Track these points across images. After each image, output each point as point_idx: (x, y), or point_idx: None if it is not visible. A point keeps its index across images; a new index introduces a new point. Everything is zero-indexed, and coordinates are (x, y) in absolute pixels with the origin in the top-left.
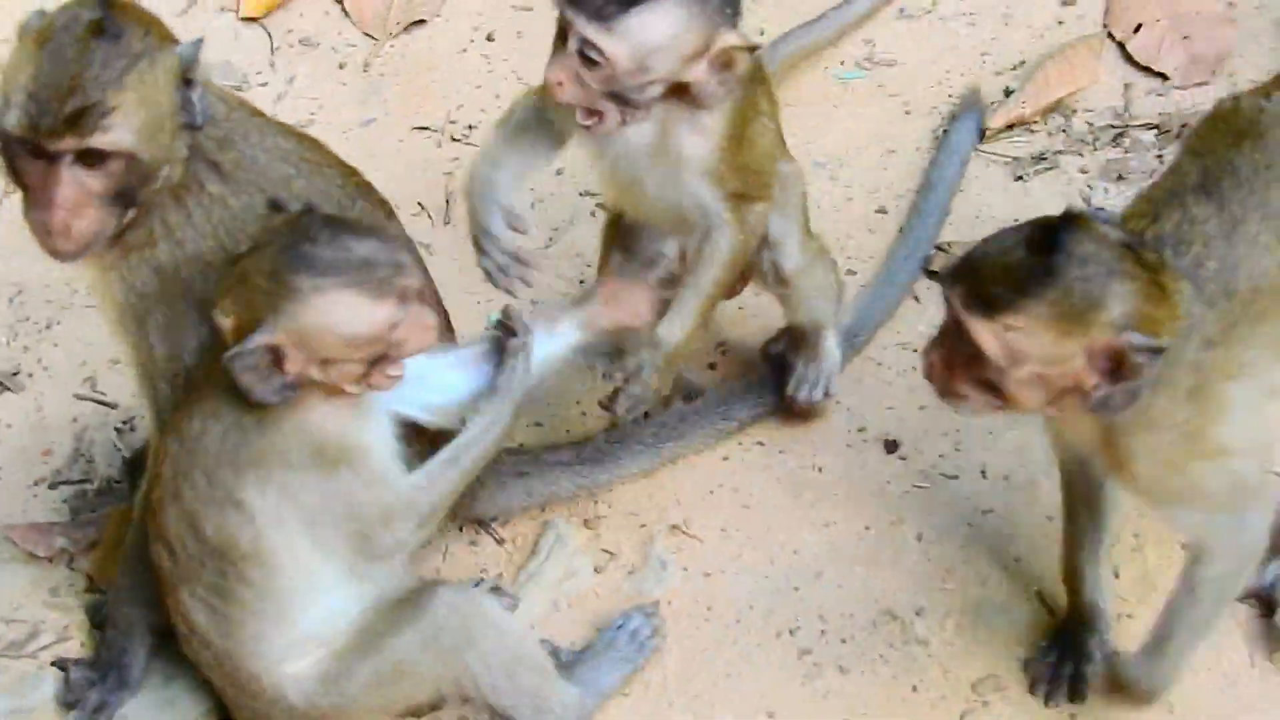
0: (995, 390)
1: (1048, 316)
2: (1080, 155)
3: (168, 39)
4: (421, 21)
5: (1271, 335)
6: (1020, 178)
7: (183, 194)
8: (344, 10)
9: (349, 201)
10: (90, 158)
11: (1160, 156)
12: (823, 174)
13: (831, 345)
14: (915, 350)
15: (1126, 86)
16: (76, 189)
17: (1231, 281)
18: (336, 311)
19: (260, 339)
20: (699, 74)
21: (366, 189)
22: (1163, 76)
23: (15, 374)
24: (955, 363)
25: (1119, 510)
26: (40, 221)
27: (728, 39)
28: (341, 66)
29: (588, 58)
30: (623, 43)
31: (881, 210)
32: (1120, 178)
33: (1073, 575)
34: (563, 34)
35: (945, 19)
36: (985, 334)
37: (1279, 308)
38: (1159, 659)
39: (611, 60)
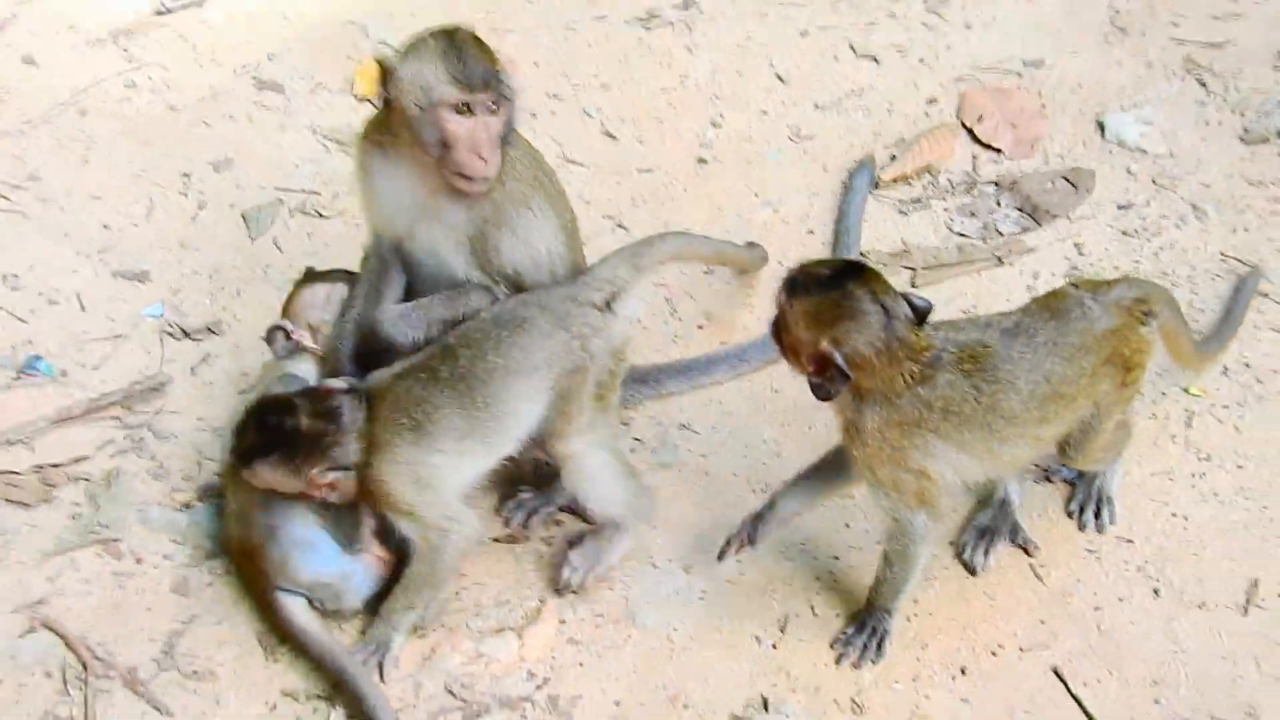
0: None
1: (802, 311)
2: (944, 200)
3: None
4: None
5: (975, 440)
6: (904, 213)
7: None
8: None
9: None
10: (496, 106)
11: (999, 201)
12: (768, 209)
13: (617, 544)
14: None
15: (974, 156)
16: (493, 131)
17: (980, 394)
18: (304, 298)
19: (277, 323)
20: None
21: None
22: (998, 150)
23: (218, 323)
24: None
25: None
26: (475, 161)
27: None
28: None
29: None
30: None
31: (811, 231)
32: (972, 214)
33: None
34: None
35: (847, 110)
36: (779, 306)
37: (993, 427)
38: (880, 593)
39: None
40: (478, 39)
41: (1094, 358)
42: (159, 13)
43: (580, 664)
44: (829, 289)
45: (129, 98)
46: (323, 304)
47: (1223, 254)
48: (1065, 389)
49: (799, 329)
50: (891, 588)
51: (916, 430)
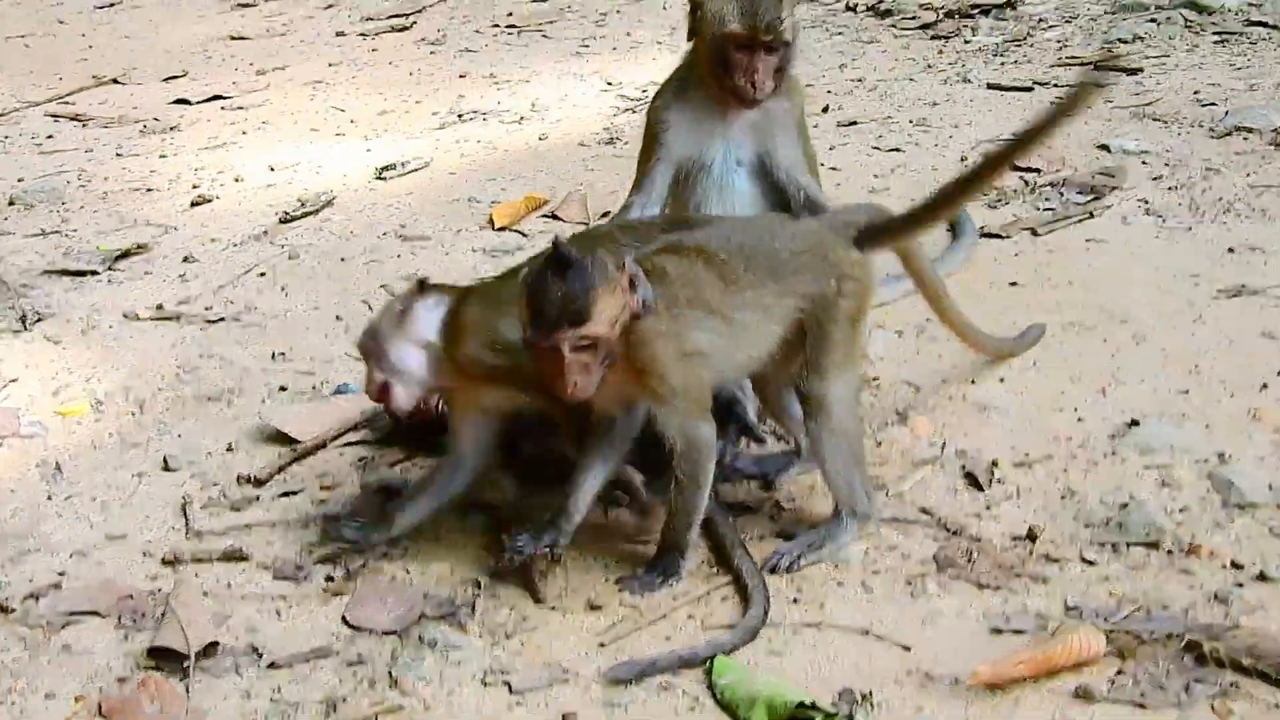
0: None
1: (596, 301)
2: (1019, 199)
3: None
4: (606, 213)
5: (720, 304)
6: (993, 207)
7: None
8: (556, 216)
9: None
10: (774, 46)
11: (1061, 193)
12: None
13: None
14: None
15: (1021, 176)
16: (768, 65)
17: (707, 265)
18: None
19: None
20: None
21: None
22: (1037, 170)
23: None
24: None
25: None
26: (747, 87)
27: None
28: None
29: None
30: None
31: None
32: (1048, 199)
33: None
34: None
35: (902, 175)
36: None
37: (727, 294)
38: (673, 523)
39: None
40: None
41: (799, 245)
42: (283, 221)
43: (965, 433)
44: (565, 276)
45: (300, 262)
46: None
47: (1249, 185)
48: (777, 268)
49: (607, 309)
50: (685, 520)
51: (674, 312)
